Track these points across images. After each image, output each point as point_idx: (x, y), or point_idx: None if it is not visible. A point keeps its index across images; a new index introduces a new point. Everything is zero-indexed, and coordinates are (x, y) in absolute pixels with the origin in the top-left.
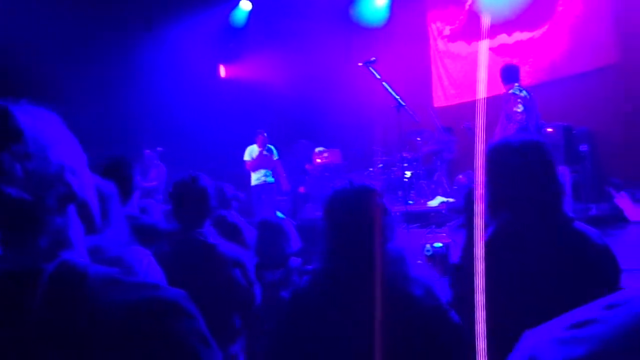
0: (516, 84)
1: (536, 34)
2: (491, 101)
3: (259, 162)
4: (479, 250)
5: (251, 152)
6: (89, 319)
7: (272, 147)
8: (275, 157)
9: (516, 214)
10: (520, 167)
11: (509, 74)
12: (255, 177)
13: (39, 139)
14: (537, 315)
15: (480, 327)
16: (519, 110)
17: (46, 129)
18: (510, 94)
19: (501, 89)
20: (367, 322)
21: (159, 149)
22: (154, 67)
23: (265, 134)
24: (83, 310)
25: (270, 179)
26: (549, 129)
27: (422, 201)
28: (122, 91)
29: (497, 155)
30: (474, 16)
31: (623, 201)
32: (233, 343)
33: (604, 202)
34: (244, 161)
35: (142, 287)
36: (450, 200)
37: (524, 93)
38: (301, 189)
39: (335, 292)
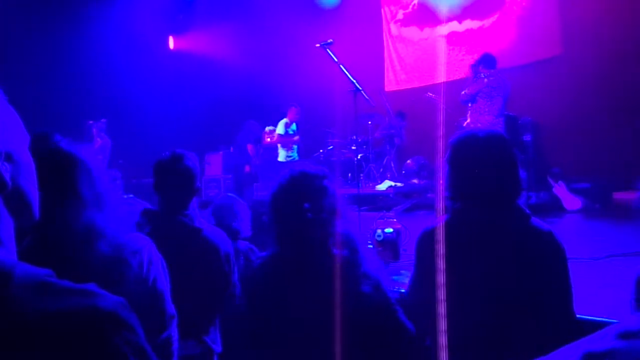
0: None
1: (486, 22)
2: (446, 87)
3: (289, 138)
4: (440, 237)
5: (283, 126)
6: (11, 327)
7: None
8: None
9: (473, 204)
10: (483, 160)
11: (486, 62)
12: (284, 154)
13: None
14: (485, 303)
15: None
16: (465, 92)
17: None
18: (479, 77)
19: (459, 74)
20: (316, 315)
21: (103, 120)
22: (101, 37)
23: (298, 107)
24: (4, 318)
25: (295, 155)
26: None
27: (370, 184)
28: (67, 61)
29: (461, 146)
30: (427, 2)
31: (561, 190)
32: (208, 331)
33: (544, 191)
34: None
35: (76, 294)
36: (398, 184)
37: (486, 79)
38: (247, 168)
39: (283, 279)
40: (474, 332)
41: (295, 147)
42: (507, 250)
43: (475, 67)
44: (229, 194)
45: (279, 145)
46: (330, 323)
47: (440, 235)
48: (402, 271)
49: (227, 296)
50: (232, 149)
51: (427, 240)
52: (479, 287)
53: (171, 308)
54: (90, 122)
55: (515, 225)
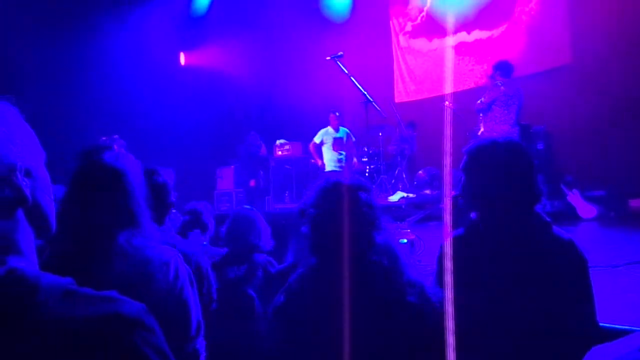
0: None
1: (495, 33)
2: (456, 97)
3: (334, 146)
4: (448, 247)
5: (324, 134)
6: (41, 334)
7: (346, 130)
8: (353, 139)
9: (492, 212)
10: (502, 167)
11: (502, 69)
12: (329, 165)
13: None
14: (507, 313)
15: (449, 323)
16: (481, 101)
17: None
18: (495, 85)
19: (469, 84)
20: (364, 327)
21: (115, 136)
22: (114, 54)
23: (337, 114)
24: (34, 325)
25: (343, 164)
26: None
27: (382, 196)
28: (80, 77)
29: (479, 153)
30: (435, 13)
31: (575, 199)
32: (191, 341)
33: (558, 199)
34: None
35: (100, 300)
36: (410, 195)
37: (502, 88)
38: (252, 183)
39: (324, 292)
40: (497, 340)
41: (343, 154)
42: (529, 259)
43: (492, 75)
44: (246, 207)
45: (325, 155)
46: (379, 335)
47: (461, 244)
48: None
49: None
50: (234, 164)
51: (454, 247)
52: (500, 295)
53: (198, 315)
54: (104, 137)
55: (536, 234)
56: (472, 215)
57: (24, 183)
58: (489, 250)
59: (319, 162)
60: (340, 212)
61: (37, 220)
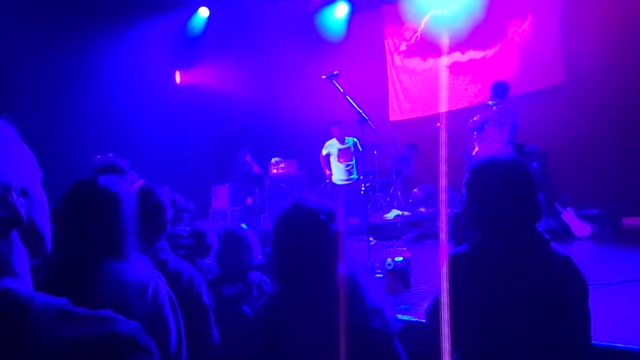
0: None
1: (488, 53)
2: (450, 116)
3: (339, 157)
4: (444, 266)
5: (329, 146)
6: (35, 354)
7: (354, 139)
8: (360, 149)
9: (493, 230)
10: (504, 185)
11: (497, 90)
12: (337, 176)
13: None
14: (510, 334)
15: (445, 344)
16: (473, 120)
17: None
18: (486, 105)
19: (463, 103)
20: (322, 348)
21: (110, 155)
22: (109, 73)
23: (338, 125)
24: (27, 345)
25: (354, 176)
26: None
27: (378, 214)
28: (76, 95)
29: (481, 171)
30: (430, 34)
31: (570, 217)
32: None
33: (553, 217)
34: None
35: (94, 320)
36: (406, 213)
37: (495, 108)
38: (249, 201)
39: (288, 316)
40: (495, 356)
41: (352, 163)
42: (529, 275)
43: (495, 97)
44: (236, 224)
45: (332, 167)
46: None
47: (464, 262)
48: (414, 300)
49: (200, 334)
50: (229, 182)
51: (451, 267)
52: (500, 312)
53: (181, 334)
54: (98, 156)
55: (536, 251)
56: (474, 232)
57: (19, 203)
58: (491, 267)
59: (327, 172)
60: (303, 240)
61: (32, 240)
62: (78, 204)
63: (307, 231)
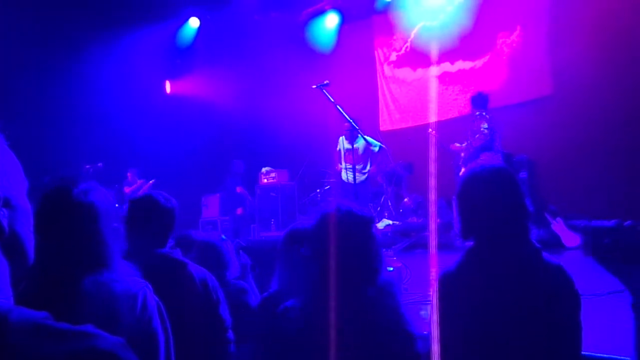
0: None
1: (477, 63)
2: (440, 126)
3: (346, 157)
4: (435, 279)
5: (341, 143)
6: None
7: (366, 137)
8: (375, 149)
9: (485, 241)
10: (490, 194)
11: (480, 101)
12: (344, 174)
13: None
14: (502, 343)
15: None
16: (484, 128)
17: None
18: (478, 115)
19: (453, 113)
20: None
21: (99, 164)
22: (98, 82)
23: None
24: None
25: (360, 177)
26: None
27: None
28: (64, 105)
29: (468, 182)
30: (419, 44)
31: (559, 227)
32: None
33: (542, 228)
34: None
35: (74, 336)
36: (396, 223)
37: (487, 116)
38: (239, 211)
39: (324, 327)
40: None
41: (359, 168)
42: (521, 285)
43: (478, 108)
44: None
45: (342, 166)
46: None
47: (458, 276)
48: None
49: (221, 340)
50: (220, 192)
51: (446, 283)
52: (491, 320)
53: (170, 346)
54: (87, 166)
55: (528, 260)
56: (467, 242)
57: (1, 213)
58: (483, 277)
59: (338, 167)
60: (348, 244)
61: (14, 251)
62: (51, 214)
63: (352, 237)
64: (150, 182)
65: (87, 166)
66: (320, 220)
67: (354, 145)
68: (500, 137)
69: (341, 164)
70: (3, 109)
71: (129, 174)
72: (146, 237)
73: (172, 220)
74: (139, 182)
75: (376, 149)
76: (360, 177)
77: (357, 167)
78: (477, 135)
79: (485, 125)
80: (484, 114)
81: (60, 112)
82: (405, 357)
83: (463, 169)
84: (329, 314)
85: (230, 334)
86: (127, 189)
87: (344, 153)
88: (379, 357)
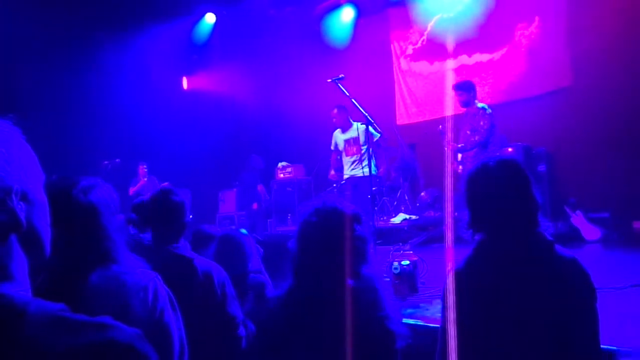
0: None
1: (495, 56)
2: (456, 119)
3: (346, 150)
4: (450, 269)
5: (335, 139)
6: None
7: (363, 124)
8: (377, 136)
9: (495, 234)
10: (499, 187)
11: (469, 86)
12: (347, 172)
13: None
14: (517, 337)
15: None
16: (483, 125)
17: None
18: (480, 107)
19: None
20: (330, 347)
21: (117, 160)
22: (116, 79)
23: (341, 108)
24: (22, 353)
25: (359, 171)
26: (509, 149)
27: (384, 218)
28: (83, 101)
29: (475, 176)
30: (436, 37)
31: (579, 220)
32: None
33: (562, 221)
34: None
35: (92, 327)
36: (413, 217)
37: (489, 110)
38: (254, 206)
39: (303, 316)
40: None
41: (362, 157)
42: (534, 279)
43: (469, 99)
44: (233, 228)
45: (343, 163)
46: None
47: (468, 271)
48: (421, 304)
49: (230, 336)
50: (236, 187)
51: (457, 279)
52: (507, 319)
53: (182, 338)
54: (106, 162)
55: (540, 254)
56: (477, 237)
57: (19, 207)
58: (496, 272)
59: (331, 173)
60: (331, 239)
61: (31, 245)
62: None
63: (332, 231)
64: (164, 184)
65: (106, 162)
66: (306, 217)
67: (349, 134)
68: (499, 133)
69: (336, 167)
70: (23, 106)
71: (139, 169)
72: (158, 234)
73: (182, 215)
74: (142, 181)
75: (377, 137)
76: (365, 170)
77: (356, 157)
78: (477, 136)
79: (482, 123)
80: (487, 109)
81: (79, 109)
82: (382, 352)
83: (461, 167)
84: (309, 303)
85: (242, 330)
86: (131, 190)
87: (344, 145)
88: (357, 349)
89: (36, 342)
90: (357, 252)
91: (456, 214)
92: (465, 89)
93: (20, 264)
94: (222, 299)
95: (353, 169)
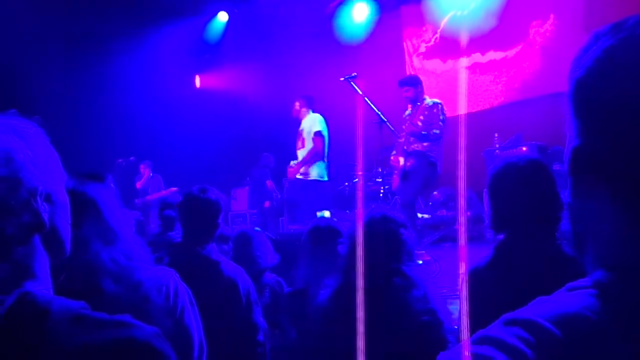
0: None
1: (509, 53)
2: (470, 118)
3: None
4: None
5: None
6: None
7: (314, 116)
8: (322, 132)
9: (518, 235)
10: (527, 187)
11: (414, 81)
12: (316, 171)
13: (14, 159)
14: None
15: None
16: (443, 118)
17: (25, 148)
18: (434, 102)
19: (484, 105)
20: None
21: (132, 158)
22: (129, 78)
23: (302, 99)
24: (44, 351)
25: (308, 170)
26: (524, 148)
27: None
28: (97, 99)
29: (502, 175)
30: (449, 35)
31: None
32: None
33: None
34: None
35: (111, 326)
36: (425, 216)
37: (440, 105)
38: (266, 204)
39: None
40: None
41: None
42: (550, 280)
43: (416, 94)
44: (249, 227)
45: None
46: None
47: (488, 271)
48: None
49: (251, 344)
50: (248, 185)
51: (476, 278)
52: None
53: (201, 337)
54: (120, 160)
55: (558, 255)
56: (498, 236)
57: (43, 208)
58: (514, 271)
59: (290, 169)
60: (380, 245)
61: (53, 245)
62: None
63: (383, 236)
64: (173, 189)
65: (120, 160)
66: (363, 224)
67: (301, 127)
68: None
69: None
70: (35, 105)
71: (141, 168)
72: (188, 233)
73: (215, 215)
74: (146, 172)
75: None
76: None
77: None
78: (435, 129)
79: (442, 117)
80: (441, 103)
81: (92, 108)
82: (431, 342)
83: (402, 160)
84: (356, 299)
85: (261, 336)
86: (138, 184)
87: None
88: (404, 342)
89: (58, 340)
90: (402, 253)
91: (469, 213)
92: (412, 84)
93: (42, 263)
94: (246, 306)
95: (304, 168)
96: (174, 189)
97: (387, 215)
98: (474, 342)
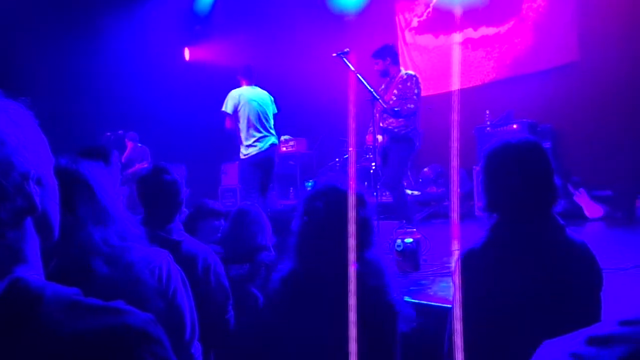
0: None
1: (502, 29)
2: (462, 94)
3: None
4: (457, 264)
5: (231, 100)
6: (45, 346)
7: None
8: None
9: (510, 215)
10: (522, 168)
11: (395, 54)
12: (244, 146)
13: (6, 142)
14: (520, 319)
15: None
16: (418, 91)
17: (16, 131)
18: (409, 74)
19: (476, 81)
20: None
21: (120, 132)
22: (117, 50)
23: (243, 70)
24: (38, 337)
25: (262, 144)
26: (514, 126)
27: (387, 194)
28: (83, 74)
29: (497, 155)
30: (442, 9)
31: (582, 198)
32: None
33: (565, 198)
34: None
35: (105, 312)
36: (416, 193)
37: (418, 76)
38: None
39: (304, 299)
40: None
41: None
42: (543, 261)
43: (387, 66)
44: (247, 203)
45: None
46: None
47: (482, 254)
48: (423, 281)
49: (218, 320)
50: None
51: (470, 261)
52: (514, 301)
53: (193, 319)
54: (108, 133)
55: (552, 237)
56: (491, 216)
57: (35, 191)
58: (506, 253)
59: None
60: (333, 222)
61: (43, 228)
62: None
63: (338, 213)
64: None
65: (108, 134)
66: (311, 195)
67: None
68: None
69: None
70: (23, 81)
71: (126, 141)
72: (149, 216)
73: (175, 195)
74: (129, 144)
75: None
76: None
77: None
78: (409, 103)
79: (417, 91)
80: (416, 75)
81: (80, 82)
82: (386, 336)
83: (380, 137)
84: (311, 287)
85: (230, 313)
86: (123, 158)
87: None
88: (360, 334)
89: (52, 326)
90: (360, 235)
91: (459, 190)
92: (380, 56)
93: (33, 247)
94: (204, 279)
95: (256, 143)
96: (146, 164)
97: (340, 188)
98: (584, 342)
